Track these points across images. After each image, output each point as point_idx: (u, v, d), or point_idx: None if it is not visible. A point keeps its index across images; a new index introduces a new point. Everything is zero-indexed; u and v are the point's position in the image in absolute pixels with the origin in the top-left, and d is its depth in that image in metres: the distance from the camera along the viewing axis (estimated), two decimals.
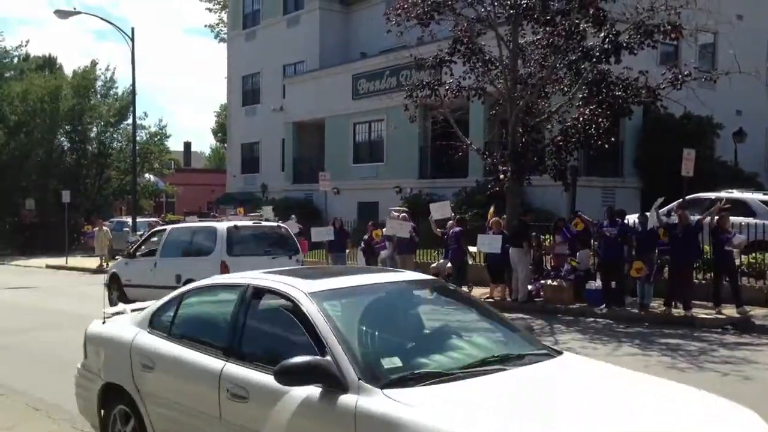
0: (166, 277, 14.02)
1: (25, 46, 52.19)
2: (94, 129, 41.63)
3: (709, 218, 13.55)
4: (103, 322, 5.93)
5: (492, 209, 16.45)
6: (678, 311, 13.15)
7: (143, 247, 16.28)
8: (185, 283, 13.47)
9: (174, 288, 13.54)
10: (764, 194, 17.61)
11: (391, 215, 18.40)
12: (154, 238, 16.10)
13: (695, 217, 14.05)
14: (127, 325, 5.66)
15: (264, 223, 15.69)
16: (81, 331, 13.10)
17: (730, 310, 12.88)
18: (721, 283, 13.19)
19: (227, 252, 13.59)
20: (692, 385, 8.20)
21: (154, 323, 5.42)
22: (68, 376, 8.89)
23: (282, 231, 15.08)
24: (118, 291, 15.80)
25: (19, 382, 8.71)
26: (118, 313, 6.11)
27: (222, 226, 14.13)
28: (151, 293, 14.72)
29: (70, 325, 13.58)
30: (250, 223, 15.26)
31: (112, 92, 42.69)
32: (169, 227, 16.22)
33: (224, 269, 13.12)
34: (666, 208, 16.37)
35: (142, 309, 5.82)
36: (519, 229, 15.54)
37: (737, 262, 13.81)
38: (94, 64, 43.10)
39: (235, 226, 14.09)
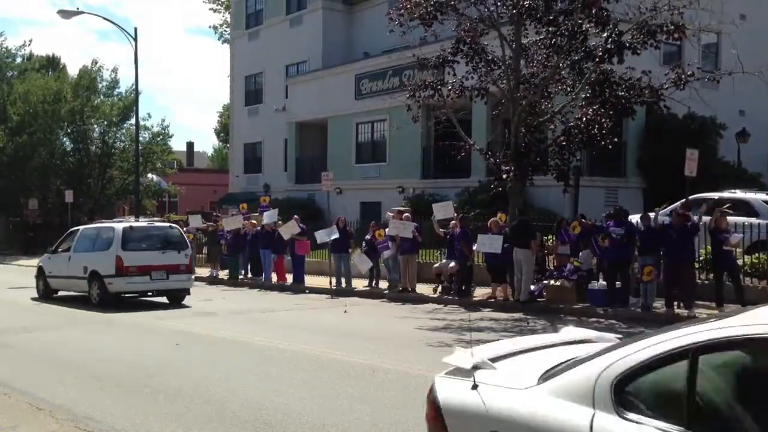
0: (77, 268, 16.88)
1: (28, 45, 52.18)
2: (97, 129, 41.65)
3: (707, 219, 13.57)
4: (474, 386, 3.53)
5: (501, 215, 16.35)
6: (680, 311, 13.13)
7: (64, 244, 18.41)
8: (91, 274, 16.35)
9: (82, 278, 16.66)
10: (767, 194, 17.57)
11: (387, 215, 18.49)
12: (72, 236, 18.24)
13: (703, 218, 14.04)
14: (536, 395, 3.34)
15: (157, 224, 18.84)
16: (82, 331, 13.09)
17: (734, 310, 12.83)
18: (722, 283, 13.15)
19: (122, 247, 16.10)
20: None
21: (627, 399, 3.07)
22: (70, 377, 8.92)
23: (173, 230, 17.51)
24: (44, 282, 18.34)
25: (22, 381, 8.72)
26: (475, 368, 3.64)
27: (119, 226, 16.86)
28: (67, 283, 17.51)
29: (72, 325, 13.63)
30: (144, 223, 18.26)
31: (115, 92, 42.77)
32: (82, 227, 19.02)
33: (119, 262, 15.95)
34: (669, 207, 16.36)
35: (507, 356, 3.88)
36: (523, 228, 15.48)
37: (740, 262, 13.78)
38: (95, 62, 43.15)
39: (130, 227, 16.77)
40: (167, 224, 18.98)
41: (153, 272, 16.21)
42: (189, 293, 16.98)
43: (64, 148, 41.37)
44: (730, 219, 14.47)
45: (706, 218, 15.42)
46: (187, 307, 16.22)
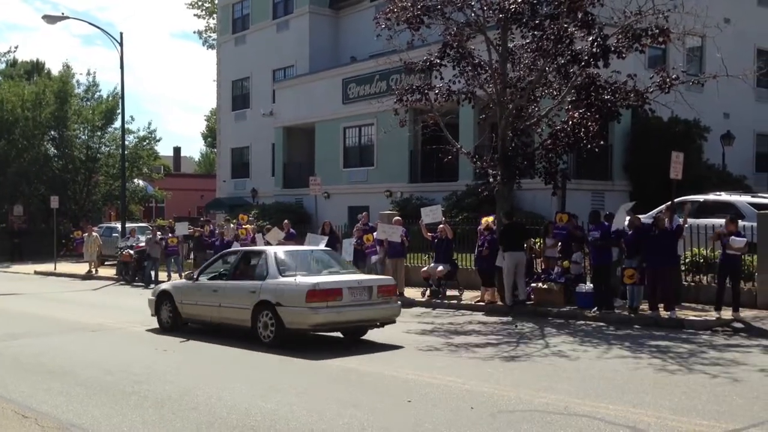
0: None
1: (14, 51, 51.71)
2: (82, 135, 41.29)
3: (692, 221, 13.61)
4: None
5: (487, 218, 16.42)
6: (665, 313, 13.18)
7: None
8: None
9: None
10: (752, 197, 17.71)
11: (357, 228, 18.76)
12: None
13: (682, 220, 14.13)
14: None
15: None
16: (70, 337, 13.05)
17: (724, 312, 12.90)
18: (724, 286, 13.13)
19: None
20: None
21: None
22: (57, 384, 8.86)
23: None
24: None
25: (8, 389, 8.65)
26: None
27: None
28: None
29: (59, 331, 13.52)
30: None
31: (96, 96, 42.38)
32: None
33: None
34: (655, 210, 16.45)
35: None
36: (519, 231, 15.53)
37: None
38: (67, 66, 42.73)
39: None
40: None
41: None
42: None
43: (47, 154, 40.95)
44: (717, 221, 14.58)
45: (690, 220, 15.53)
46: None
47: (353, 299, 11.15)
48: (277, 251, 12.35)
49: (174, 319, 13.11)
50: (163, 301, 13.33)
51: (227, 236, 21.78)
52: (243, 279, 12.10)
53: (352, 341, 11.62)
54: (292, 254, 12.52)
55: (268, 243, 19.88)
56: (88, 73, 55.73)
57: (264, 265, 11.82)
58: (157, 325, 13.35)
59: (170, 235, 24.01)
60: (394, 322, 11.88)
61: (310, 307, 10.73)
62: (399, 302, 12.44)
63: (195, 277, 13.15)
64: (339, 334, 11.89)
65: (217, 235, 22.32)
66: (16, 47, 72.49)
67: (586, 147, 15.48)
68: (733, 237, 12.99)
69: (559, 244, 15.67)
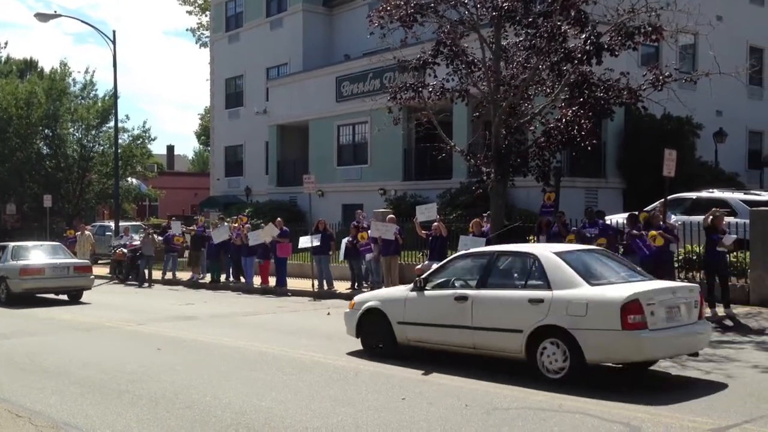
0: None
1: (4, 47, 51.39)
2: (76, 133, 41.10)
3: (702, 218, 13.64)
4: None
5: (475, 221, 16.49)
6: None
7: None
8: None
9: None
10: (745, 193, 17.78)
11: (353, 225, 19.00)
12: None
13: (679, 217, 14.18)
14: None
15: None
16: (63, 336, 12.99)
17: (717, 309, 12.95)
18: (713, 283, 13.18)
19: None
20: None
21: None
22: (51, 383, 8.84)
23: None
24: None
25: (2, 388, 8.63)
26: None
27: None
28: None
29: (52, 330, 13.50)
30: None
31: (92, 95, 42.19)
32: None
33: None
34: (649, 207, 16.51)
35: None
36: (519, 232, 15.63)
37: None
38: (64, 64, 42.46)
39: None
40: None
41: None
42: None
43: (40, 152, 40.76)
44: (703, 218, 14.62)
45: (683, 218, 15.60)
46: (169, 311, 16.12)
47: (54, 274, 18.19)
48: (15, 246, 19.11)
49: None
50: None
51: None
52: None
53: (75, 302, 18.22)
54: (25, 247, 19.26)
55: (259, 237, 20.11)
56: (87, 71, 55.49)
57: (4, 255, 18.53)
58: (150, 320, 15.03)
59: (176, 234, 24.03)
60: (89, 288, 18.83)
61: (22, 278, 17.90)
62: (92, 276, 19.22)
63: None
64: (66, 297, 18.60)
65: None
66: (6, 43, 71.83)
67: (580, 145, 15.49)
68: (727, 235, 13.02)
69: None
